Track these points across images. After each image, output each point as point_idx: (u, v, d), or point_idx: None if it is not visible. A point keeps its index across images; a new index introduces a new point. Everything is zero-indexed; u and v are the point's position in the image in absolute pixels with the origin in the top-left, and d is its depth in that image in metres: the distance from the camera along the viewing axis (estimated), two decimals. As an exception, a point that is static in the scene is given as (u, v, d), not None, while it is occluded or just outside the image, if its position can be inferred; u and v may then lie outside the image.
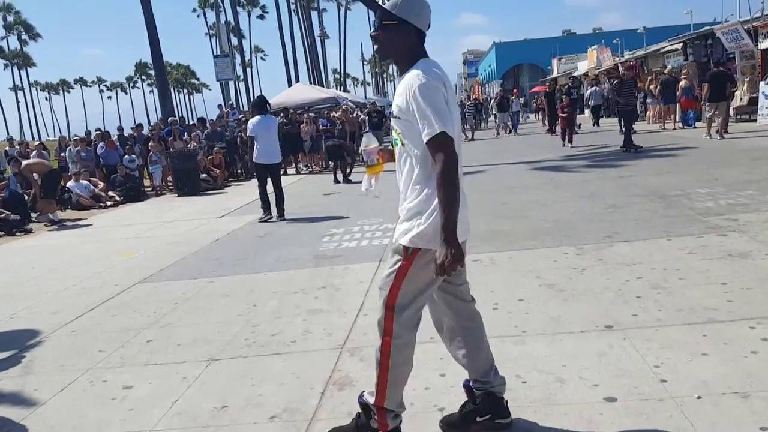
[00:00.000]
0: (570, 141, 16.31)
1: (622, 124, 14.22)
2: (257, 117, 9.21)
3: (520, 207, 8.05)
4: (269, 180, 9.32)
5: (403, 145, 2.46)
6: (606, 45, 35.41)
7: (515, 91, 29.63)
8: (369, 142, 2.82)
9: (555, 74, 48.82)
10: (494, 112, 27.40)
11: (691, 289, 4.21)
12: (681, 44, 22.54)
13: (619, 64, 27.54)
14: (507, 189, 9.73)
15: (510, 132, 25.62)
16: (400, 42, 2.45)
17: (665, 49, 24.72)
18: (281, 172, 10.47)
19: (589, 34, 63.09)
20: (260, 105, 9.42)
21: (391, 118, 2.49)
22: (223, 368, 3.78)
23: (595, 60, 35.31)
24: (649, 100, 21.72)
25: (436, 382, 3.22)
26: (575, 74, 37.93)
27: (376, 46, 2.54)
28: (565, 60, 48.72)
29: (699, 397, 2.79)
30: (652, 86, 20.79)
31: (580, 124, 21.40)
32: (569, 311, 4.03)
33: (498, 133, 26.25)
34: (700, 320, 3.66)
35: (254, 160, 9.34)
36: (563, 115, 16.90)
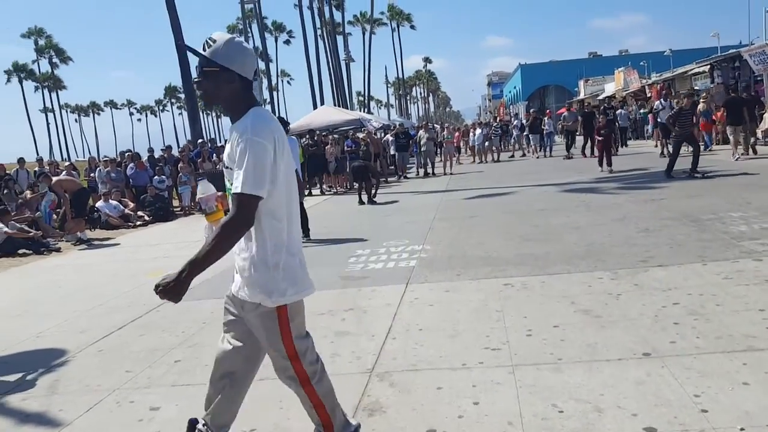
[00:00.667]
0: (609, 164, 15.35)
1: (672, 149, 13.19)
2: None
3: (551, 230, 7.93)
4: None
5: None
6: (633, 67, 35.30)
7: (548, 112, 29.16)
8: (205, 190, 2.75)
9: (582, 96, 48.73)
10: (525, 134, 27.00)
11: (729, 316, 4.08)
12: (708, 66, 22.33)
13: (650, 88, 27.44)
14: (537, 212, 9.62)
15: (542, 153, 24.26)
16: (224, 89, 2.41)
17: (692, 72, 24.49)
18: (305, 193, 10.53)
19: (615, 57, 62.88)
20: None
21: (224, 168, 2.46)
22: (251, 390, 3.68)
23: (623, 82, 35.17)
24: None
25: (469, 411, 3.13)
26: (602, 96, 37.80)
27: (200, 93, 2.49)
28: (591, 82, 48.67)
29: (742, 429, 2.68)
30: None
31: (617, 147, 21.06)
32: (606, 338, 3.92)
33: (524, 154, 26.11)
34: (740, 348, 3.54)
35: None
36: (599, 137, 15.84)
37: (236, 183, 2.27)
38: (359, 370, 3.84)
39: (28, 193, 13.38)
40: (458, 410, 3.13)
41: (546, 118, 25.32)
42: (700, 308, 4.29)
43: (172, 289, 2.35)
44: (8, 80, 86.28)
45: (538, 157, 24.08)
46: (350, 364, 3.97)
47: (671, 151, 13.33)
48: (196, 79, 2.46)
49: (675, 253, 6.00)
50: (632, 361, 3.52)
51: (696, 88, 23.55)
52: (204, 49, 2.39)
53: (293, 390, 2.61)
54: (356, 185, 14.80)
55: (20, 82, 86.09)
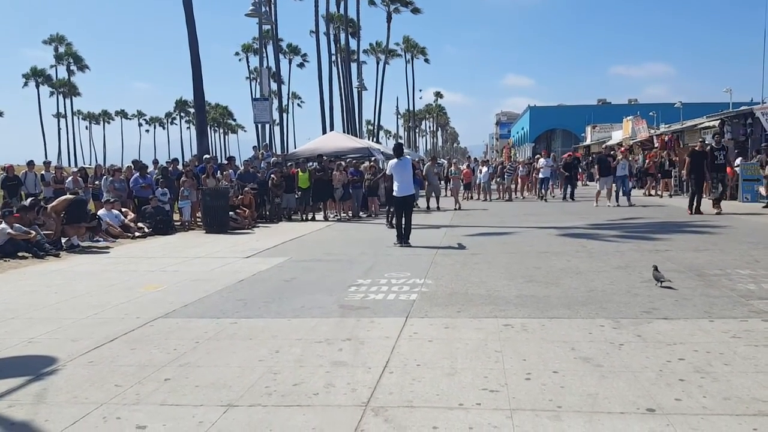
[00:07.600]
0: None
1: None
2: (394, 159, 11.36)
3: (552, 273, 7.84)
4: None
5: None
6: (642, 117, 35.55)
7: (622, 149, 24.31)
8: None
9: (589, 141, 49.08)
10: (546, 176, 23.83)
11: (738, 377, 3.98)
12: (719, 121, 22.45)
13: (658, 139, 27.55)
14: (539, 253, 9.54)
15: (616, 202, 19.20)
16: None
17: (702, 125, 24.61)
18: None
19: (624, 105, 63.40)
20: (398, 150, 11.70)
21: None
22: (241, 416, 3.63)
23: (630, 130, 35.39)
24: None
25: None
26: (608, 143, 37.95)
27: None
28: (599, 128, 49.06)
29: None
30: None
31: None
32: (607, 389, 3.82)
33: (545, 199, 22.98)
34: (750, 412, 3.44)
35: (393, 193, 11.46)
36: None
37: None
38: (354, 403, 3.74)
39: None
40: (454, 453, 3.03)
41: (620, 158, 20.57)
42: (707, 366, 4.20)
43: None
44: (26, 84, 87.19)
45: (610, 205, 18.73)
46: (345, 396, 3.87)
47: None
48: None
49: (680, 306, 5.91)
50: (635, 416, 3.42)
51: (706, 141, 23.63)
52: None
53: None
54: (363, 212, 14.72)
55: (37, 86, 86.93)
